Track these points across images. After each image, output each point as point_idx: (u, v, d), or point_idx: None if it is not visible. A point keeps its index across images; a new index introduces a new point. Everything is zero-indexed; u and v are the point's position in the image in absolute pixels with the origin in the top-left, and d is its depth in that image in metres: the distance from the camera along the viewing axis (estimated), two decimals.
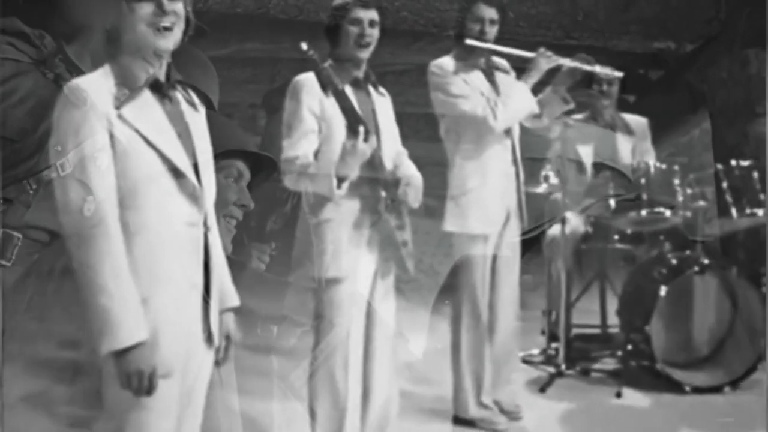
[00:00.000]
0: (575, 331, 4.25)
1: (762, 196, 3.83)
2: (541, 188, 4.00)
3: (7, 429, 2.01)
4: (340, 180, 2.55)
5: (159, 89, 1.90)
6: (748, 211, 3.83)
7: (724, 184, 3.82)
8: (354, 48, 2.70)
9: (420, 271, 3.21)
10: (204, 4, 5.55)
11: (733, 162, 3.86)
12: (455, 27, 3.30)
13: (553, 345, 4.20)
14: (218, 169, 2.07)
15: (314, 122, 2.63)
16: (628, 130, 4.43)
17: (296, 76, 2.66)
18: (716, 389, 3.78)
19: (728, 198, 3.83)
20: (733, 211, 3.83)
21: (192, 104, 1.98)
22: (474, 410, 3.40)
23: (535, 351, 4.25)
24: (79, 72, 2.17)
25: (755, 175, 3.85)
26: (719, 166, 3.85)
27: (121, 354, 1.79)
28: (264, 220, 3.73)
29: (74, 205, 1.78)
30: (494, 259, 3.41)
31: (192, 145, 1.93)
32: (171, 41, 1.87)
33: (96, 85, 1.83)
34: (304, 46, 2.53)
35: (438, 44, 3.64)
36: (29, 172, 2.03)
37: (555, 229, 4.10)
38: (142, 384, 1.81)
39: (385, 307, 2.80)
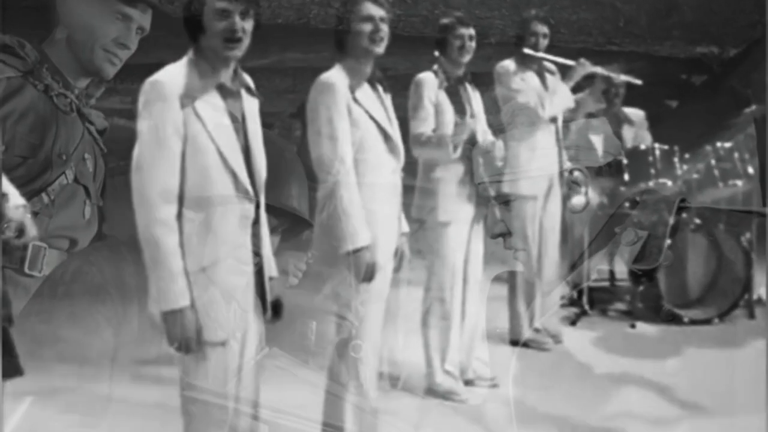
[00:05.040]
0: (589, 284, 5.28)
1: (741, 171, 4.88)
2: (564, 167, 5.01)
3: None
4: (454, 147, 3.52)
5: (371, 81, 2.88)
6: (730, 182, 4.90)
7: (713, 161, 4.87)
8: (457, 55, 3.68)
9: None
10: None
11: (719, 144, 4.90)
12: (516, 41, 4.25)
13: (575, 292, 5.23)
14: None
15: (432, 108, 3.59)
16: (629, 121, 5.48)
17: (418, 75, 3.63)
18: (707, 321, 4.79)
19: (715, 172, 4.88)
20: (719, 183, 4.90)
21: (386, 92, 2.96)
22: (527, 333, 4.40)
23: (562, 296, 5.25)
24: (63, 79, 2.20)
25: (736, 155, 4.91)
26: (708, 147, 4.89)
27: (357, 252, 2.75)
28: None
29: None
30: (541, 216, 4.43)
31: (390, 120, 2.91)
32: (382, 47, 2.85)
33: (337, 78, 2.80)
34: (436, 53, 3.53)
35: (479, 52, 3.88)
36: (45, 183, 2.10)
37: (577, 200, 5.13)
38: (368, 273, 2.78)
39: (477, 245, 3.79)
